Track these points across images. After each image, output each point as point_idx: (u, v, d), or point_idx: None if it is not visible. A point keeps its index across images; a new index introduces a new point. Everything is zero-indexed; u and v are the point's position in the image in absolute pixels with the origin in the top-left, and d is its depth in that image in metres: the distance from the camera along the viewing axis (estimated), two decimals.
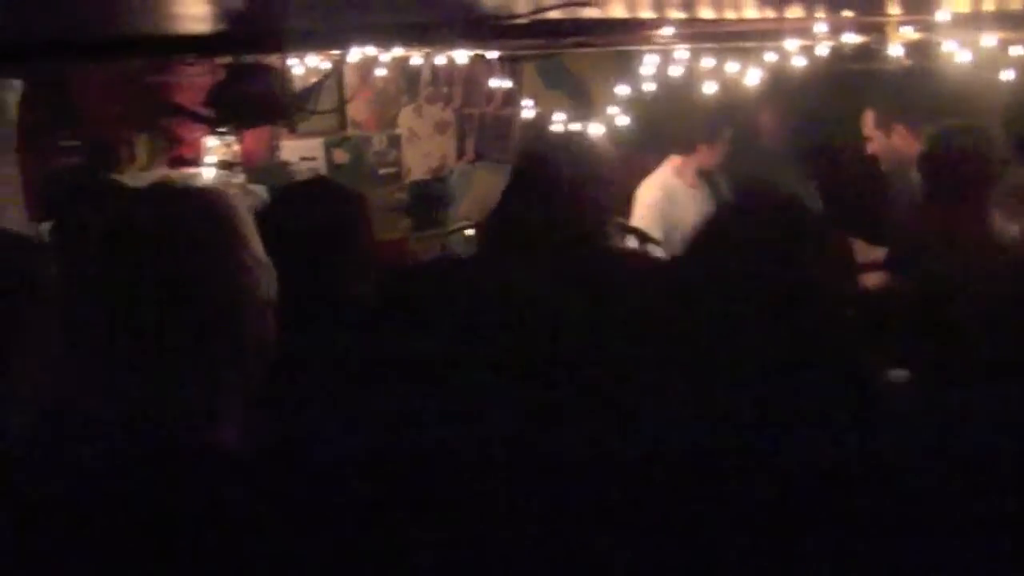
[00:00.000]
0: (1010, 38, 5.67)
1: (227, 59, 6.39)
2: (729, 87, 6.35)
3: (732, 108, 6.73)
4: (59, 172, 6.92)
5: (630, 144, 6.71)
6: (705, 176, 7.10)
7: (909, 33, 5.71)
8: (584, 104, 8.26)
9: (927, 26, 5.62)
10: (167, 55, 6.65)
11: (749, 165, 6.83)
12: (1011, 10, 5.43)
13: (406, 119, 8.33)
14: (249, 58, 6.18)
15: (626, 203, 6.66)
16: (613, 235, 4.13)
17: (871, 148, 6.32)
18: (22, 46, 5.38)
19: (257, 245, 2.20)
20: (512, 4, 5.33)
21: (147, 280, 2.08)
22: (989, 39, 5.48)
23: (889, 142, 6.21)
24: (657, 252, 5.73)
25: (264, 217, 3.79)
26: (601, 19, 5.67)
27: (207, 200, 2.21)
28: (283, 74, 6.14)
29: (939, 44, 5.71)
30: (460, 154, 8.64)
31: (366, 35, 6.03)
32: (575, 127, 6.53)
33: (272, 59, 6.12)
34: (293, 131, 7.59)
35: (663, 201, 6.96)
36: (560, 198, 3.59)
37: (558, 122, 6.70)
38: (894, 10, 5.58)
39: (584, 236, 3.60)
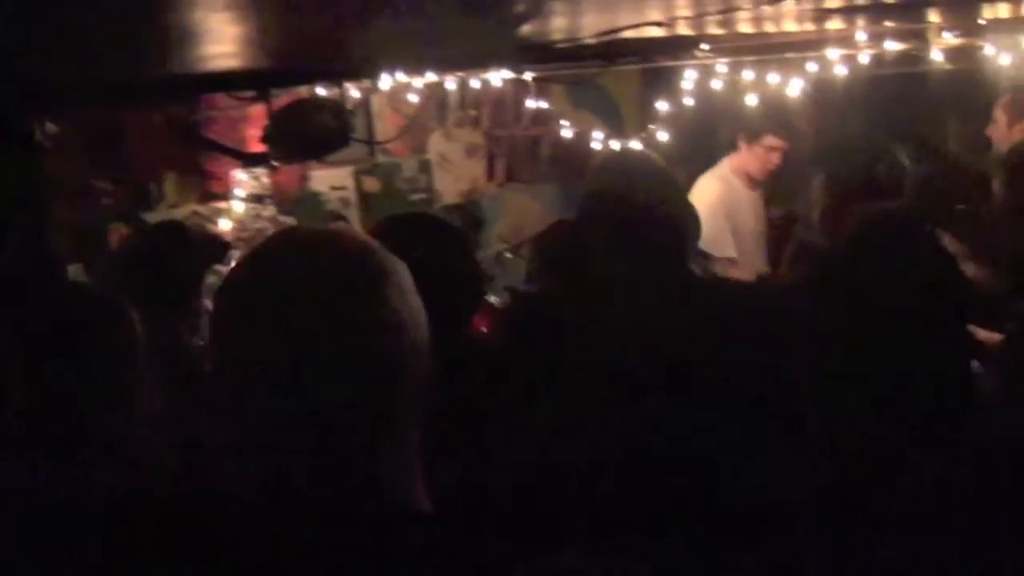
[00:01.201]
0: None
1: (285, 94, 6.33)
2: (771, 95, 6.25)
3: (777, 111, 6.58)
4: (92, 214, 6.89)
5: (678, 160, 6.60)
6: (758, 186, 6.95)
7: (950, 39, 5.67)
8: (614, 122, 8.19)
9: (969, 31, 5.59)
10: (199, 93, 6.60)
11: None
12: None
13: (436, 144, 8.26)
14: (307, 92, 6.12)
15: None
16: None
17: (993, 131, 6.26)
18: (56, 90, 5.33)
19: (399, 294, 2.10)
20: (549, 27, 5.28)
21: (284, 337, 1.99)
22: None
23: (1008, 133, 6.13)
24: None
25: None
26: (639, 38, 5.61)
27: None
28: (343, 106, 6.06)
29: (980, 48, 5.69)
30: (491, 177, 8.56)
31: (401, 63, 5.96)
32: (613, 146, 6.43)
33: (332, 91, 6.04)
34: (322, 161, 7.51)
35: (725, 196, 6.76)
36: (648, 226, 3.46)
37: (596, 141, 6.60)
38: (934, 18, 5.55)
39: (673, 262, 3.47)
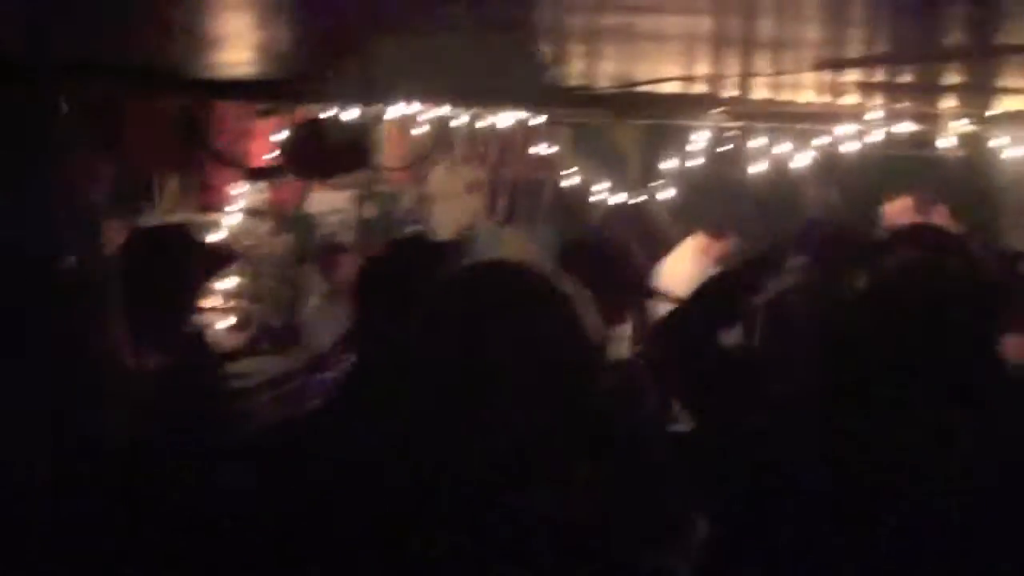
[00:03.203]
0: None
1: (304, 110, 6.29)
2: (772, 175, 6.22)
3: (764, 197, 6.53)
4: (87, 203, 6.79)
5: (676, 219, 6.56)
6: (724, 262, 6.86)
7: (962, 126, 5.74)
8: (617, 173, 8.17)
9: (979, 120, 5.67)
10: (212, 97, 6.53)
11: None
12: None
13: (438, 177, 8.23)
14: (313, 111, 6.08)
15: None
16: None
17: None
18: (67, 66, 5.25)
19: None
20: (569, 72, 5.27)
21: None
22: None
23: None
24: None
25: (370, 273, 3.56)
26: (655, 93, 5.62)
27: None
28: (366, 128, 6.04)
29: (988, 139, 5.77)
30: (490, 214, 8.54)
31: (416, 92, 5.95)
32: (618, 198, 6.42)
33: (355, 111, 6.01)
34: (325, 183, 7.48)
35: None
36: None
37: (600, 191, 6.60)
38: (949, 103, 5.62)
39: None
